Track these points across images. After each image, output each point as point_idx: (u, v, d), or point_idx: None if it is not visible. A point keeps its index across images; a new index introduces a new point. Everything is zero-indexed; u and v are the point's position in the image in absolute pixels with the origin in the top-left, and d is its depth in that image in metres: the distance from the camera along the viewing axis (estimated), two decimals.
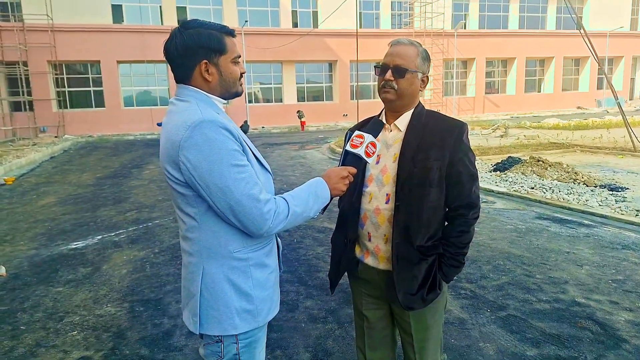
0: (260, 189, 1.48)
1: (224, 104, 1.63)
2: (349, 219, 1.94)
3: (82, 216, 7.50)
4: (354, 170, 1.71)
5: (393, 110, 1.90)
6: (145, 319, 3.81)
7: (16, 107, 24.43)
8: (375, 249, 1.90)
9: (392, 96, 1.83)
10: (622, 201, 7.19)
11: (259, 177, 1.52)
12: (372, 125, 1.81)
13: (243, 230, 1.50)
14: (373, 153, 1.72)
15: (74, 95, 26.56)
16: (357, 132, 1.75)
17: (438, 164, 1.80)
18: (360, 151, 1.71)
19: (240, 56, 1.61)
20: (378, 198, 1.86)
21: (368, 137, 1.72)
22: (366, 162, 1.76)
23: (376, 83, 8.82)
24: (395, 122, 1.89)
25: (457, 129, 1.85)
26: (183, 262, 1.65)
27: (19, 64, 23.28)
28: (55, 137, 23.89)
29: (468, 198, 1.87)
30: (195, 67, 1.54)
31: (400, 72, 1.81)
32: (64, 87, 25.99)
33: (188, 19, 1.57)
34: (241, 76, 1.63)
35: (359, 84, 28.47)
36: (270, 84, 30.66)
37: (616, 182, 8.76)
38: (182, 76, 1.56)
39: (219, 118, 1.47)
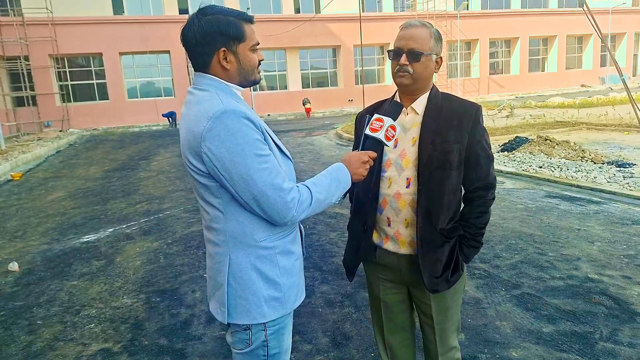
0: (284, 178, 1.47)
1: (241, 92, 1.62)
2: (366, 204, 1.92)
3: (93, 209, 7.55)
4: (374, 154, 1.69)
5: (408, 94, 1.88)
6: (163, 309, 3.86)
7: (19, 102, 24.46)
8: (396, 234, 1.89)
9: (408, 80, 1.80)
10: (630, 177, 7.16)
11: (280, 165, 1.52)
12: (391, 108, 1.77)
13: (267, 219, 1.50)
14: (393, 137, 1.69)
15: (77, 89, 26.58)
16: (376, 116, 1.71)
17: (458, 147, 1.80)
18: (380, 135, 1.67)
19: (259, 43, 1.59)
20: (398, 182, 1.85)
21: (387, 121, 1.68)
22: (384, 146, 1.73)
23: (380, 67, 8.73)
24: (412, 106, 1.88)
25: (474, 110, 1.84)
26: (208, 252, 1.65)
27: (20, 59, 23.28)
28: (60, 131, 23.95)
29: (486, 179, 1.88)
30: (213, 54, 1.52)
31: (415, 55, 1.77)
32: (67, 80, 26.00)
33: (205, 5, 1.53)
34: (259, 64, 1.62)
35: (364, 68, 28.28)
36: (275, 71, 30.51)
37: (623, 158, 8.72)
38: (200, 64, 1.54)
39: (241, 107, 1.46)
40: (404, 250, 1.89)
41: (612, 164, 8.21)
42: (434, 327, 1.96)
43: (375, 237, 1.96)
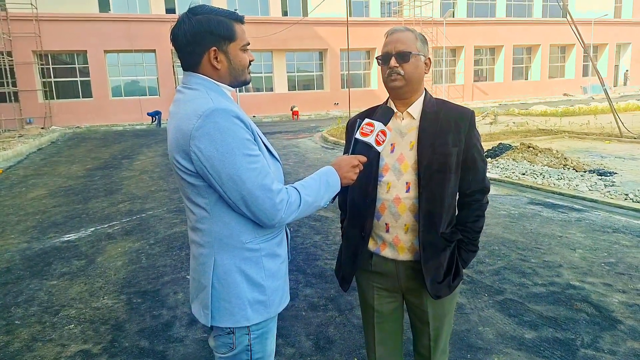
0: (273, 179, 1.45)
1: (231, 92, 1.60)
2: (363, 211, 1.89)
3: (74, 208, 7.42)
4: (364, 158, 1.68)
5: (402, 97, 1.87)
6: (144, 310, 3.79)
7: (1, 98, 23.97)
8: (394, 240, 1.86)
9: (400, 82, 1.80)
10: (611, 186, 7.28)
11: (269, 167, 1.50)
12: (382, 114, 1.76)
13: (255, 220, 1.48)
14: (383, 142, 1.68)
15: (61, 86, 26.16)
16: (367, 120, 1.71)
17: (456, 150, 1.80)
18: (370, 139, 1.66)
19: (249, 43, 1.57)
20: (397, 187, 1.83)
21: (378, 125, 1.68)
22: (376, 151, 1.71)
23: (366, 72, 8.80)
24: (407, 110, 1.87)
25: (469, 115, 1.86)
26: (192, 254, 1.62)
27: (3, 54, 22.84)
28: (42, 128, 23.53)
29: (482, 183, 1.90)
30: (203, 54, 1.50)
31: (403, 56, 1.78)
32: (50, 77, 25.58)
33: (196, 5, 1.52)
34: (249, 64, 1.60)
35: (350, 72, 28.40)
36: (261, 73, 30.43)
37: (604, 167, 8.86)
38: (190, 63, 1.52)
39: (231, 106, 1.44)
40: (403, 256, 1.86)
41: (594, 172, 8.34)
42: (430, 333, 1.94)
43: (372, 244, 1.92)
